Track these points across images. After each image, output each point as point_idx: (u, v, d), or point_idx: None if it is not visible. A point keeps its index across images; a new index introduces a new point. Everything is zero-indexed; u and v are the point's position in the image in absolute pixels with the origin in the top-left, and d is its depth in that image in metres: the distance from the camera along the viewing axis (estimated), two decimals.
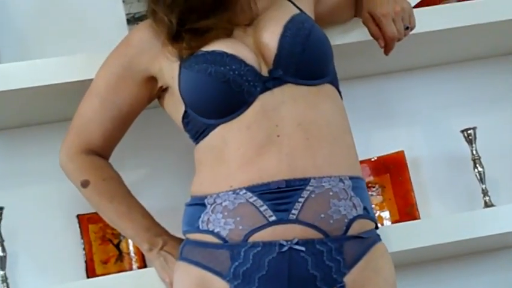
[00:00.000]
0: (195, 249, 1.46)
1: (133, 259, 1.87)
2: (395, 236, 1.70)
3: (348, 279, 1.40)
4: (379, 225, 1.52)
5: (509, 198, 1.98)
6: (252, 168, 1.41)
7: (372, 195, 1.94)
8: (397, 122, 2.07)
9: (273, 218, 1.38)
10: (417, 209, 1.92)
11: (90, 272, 1.83)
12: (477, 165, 1.91)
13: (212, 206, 1.43)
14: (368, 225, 1.46)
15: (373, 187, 1.96)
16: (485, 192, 1.89)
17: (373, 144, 2.01)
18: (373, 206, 1.77)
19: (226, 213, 1.41)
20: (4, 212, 1.76)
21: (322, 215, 1.39)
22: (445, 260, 2.00)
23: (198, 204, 1.47)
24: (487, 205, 1.88)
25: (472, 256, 2.01)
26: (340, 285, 1.39)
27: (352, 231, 1.41)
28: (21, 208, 1.89)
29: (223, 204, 1.41)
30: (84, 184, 1.63)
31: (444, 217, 1.87)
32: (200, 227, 1.45)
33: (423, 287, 2.00)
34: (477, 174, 1.90)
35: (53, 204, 1.91)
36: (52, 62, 1.73)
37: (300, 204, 1.38)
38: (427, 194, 2.01)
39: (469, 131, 1.91)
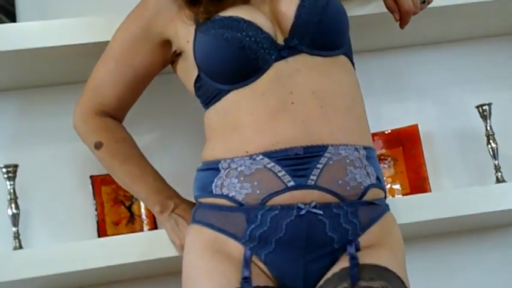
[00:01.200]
0: (208, 212, 1.47)
1: (145, 222, 1.89)
2: (406, 208, 1.71)
3: (362, 239, 1.42)
4: (390, 197, 1.53)
5: None
6: (268, 134, 1.41)
7: (383, 167, 1.94)
8: (411, 96, 2.06)
9: (292, 183, 1.39)
10: (429, 183, 1.92)
11: (102, 233, 1.84)
12: (490, 141, 1.90)
13: (226, 171, 1.44)
14: (380, 193, 1.48)
15: (386, 160, 1.97)
16: (497, 168, 1.89)
17: (387, 117, 2.02)
18: (384, 178, 1.79)
19: (242, 178, 1.41)
20: (18, 170, 1.77)
21: (340, 181, 1.40)
22: (455, 235, 2.01)
23: (211, 169, 1.47)
24: (499, 181, 1.87)
25: (482, 231, 2.02)
26: (355, 243, 1.41)
27: (366, 198, 1.43)
28: (36, 167, 1.90)
29: (239, 169, 1.42)
30: (97, 145, 1.64)
31: (455, 191, 1.88)
32: (214, 191, 1.45)
33: (433, 261, 2.00)
34: (490, 150, 1.90)
35: (66, 164, 1.92)
36: (70, 23, 1.74)
37: (318, 171, 1.39)
38: (439, 169, 2.01)
39: (484, 107, 1.90)
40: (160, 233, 1.65)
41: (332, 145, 1.41)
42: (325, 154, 1.40)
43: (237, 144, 1.44)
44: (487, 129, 1.91)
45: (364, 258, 1.39)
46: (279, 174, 1.39)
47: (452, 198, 1.76)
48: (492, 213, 1.79)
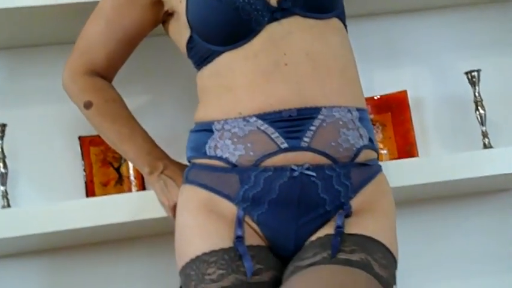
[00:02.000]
0: (202, 173, 1.47)
1: (133, 183, 1.89)
2: (393, 172, 1.70)
3: (354, 202, 1.43)
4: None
5: (508, 141, 2.00)
6: (260, 96, 1.41)
7: None
8: (401, 62, 2.07)
9: (285, 145, 1.39)
10: (416, 149, 1.94)
11: (90, 193, 1.84)
12: (479, 107, 1.92)
13: (220, 132, 1.44)
14: (372, 154, 1.49)
15: (374, 125, 1.96)
16: (485, 134, 1.91)
17: (377, 83, 2.02)
18: None
19: (235, 140, 1.41)
20: (7, 129, 1.76)
21: (333, 143, 1.40)
22: (442, 200, 2.03)
23: (205, 130, 1.47)
24: (486, 147, 1.89)
25: (469, 197, 2.04)
26: (346, 208, 1.41)
27: (358, 160, 1.44)
28: (24, 127, 1.89)
29: (233, 130, 1.42)
30: (87, 105, 1.63)
31: (442, 156, 1.89)
32: (207, 152, 1.46)
33: (420, 226, 2.02)
34: (478, 117, 1.92)
35: (55, 124, 1.91)
36: None
37: (312, 133, 1.39)
38: (428, 135, 2.03)
39: (473, 73, 1.91)
40: (149, 194, 1.65)
41: (325, 107, 1.41)
42: (319, 116, 1.40)
43: (230, 105, 1.44)
44: (475, 96, 1.92)
45: (351, 226, 1.39)
46: (273, 136, 1.39)
47: (440, 163, 1.78)
48: (479, 179, 1.81)
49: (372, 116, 1.97)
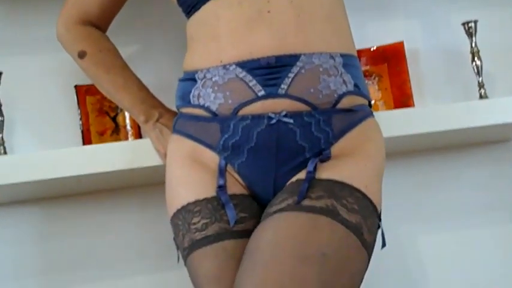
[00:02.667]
0: (187, 123, 1.48)
1: (130, 132, 1.90)
2: (389, 123, 1.71)
3: (335, 147, 1.41)
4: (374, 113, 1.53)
5: (504, 92, 1.99)
6: (242, 44, 1.41)
7: (368, 84, 1.94)
8: (398, 12, 2.04)
9: (262, 93, 1.39)
10: (413, 100, 1.93)
11: (87, 142, 1.86)
12: (475, 58, 1.90)
13: (202, 81, 1.44)
14: (358, 100, 1.46)
15: (370, 76, 1.97)
16: (481, 85, 1.89)
17: (373, 34, 2.00)
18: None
19: (216, 88, 1.42)
20: (2, 77, 1.77)
21: (312, 90, 1.39)
22: (438, 151, 2.02)
23: (190, 79, 1.48)
24: (482, 97, 1.88)
25: (465, 148, 2.03)
26: (326, 153, 1.40)
27: (341, 105, 1.42)
28: (20, 76, 1.90)
29: (213, 79, 1.42)
30: (81, 54, 1.64)
31: (438, 106, 1.87)
32: (191, 101, 1.47)
33: (416, 176, 2.02)
34: (474, 68, 1.90)
35: (51, 73, 1.91)
36: None
37: (290, 80, 1.38)
38: (424, 86, 2.01)
39: (469, 24, 1.89)
40: (145, 142, 1.67)
41: (305, 54, 1.40)
42: (297, 63, 1.39)
43: (213, 54, 1.44)
44: (472, 47, 1.90)
45: (325, 171, 1.37)
46: (250, 84, 1.39)
47: (436, 113, 1.77)
48: (474, 129, 1.80)
49: (368, 68, 1.96)
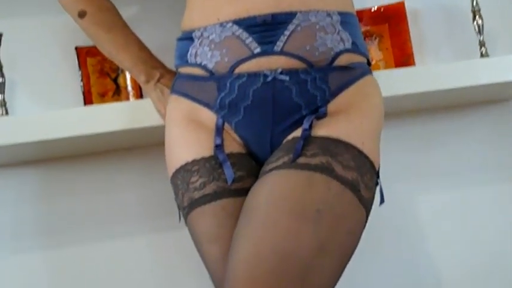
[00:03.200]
0: (185, 82, 1.48)
1: (131, 93, 1.91)
2: (390, 82, 1.71)
3: (331, 105, 1.40)
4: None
5: (505, 51, 1.98)
6: (239, 2, 1.40)
7: (368, 44, 1.94)
8: None
9: (258, 50, 1.39)
10: (413, 59, 1.93)
11: (88, 104, 1.87)
12: (476, 17, 1.89)
13: (200, 40, 1.44)
14: (356, 58, 1.45)
15: (371, 36, 1.96)
16: (482, 44, 1.89)
17: None
18: (370, 55, 1.78)
19: (212, 46, 1.42)
20: (3, 38, 1.77)
21: (308, 47, 1.39)
22: (439, 110, 2.02)
23: (188, 38, 1.48)
24: (483, 56, 1.88)
25: (466, 107, 2.03)
26: (322, 110, 1.40)
27: (338, 63, 1.41)
28: (21, 36, 1.90)
29: (210, 37, 1.42)
30: (81, 14, 1.63)
31: (439, 65, 1.86)
32: (189, 60, 1.47)
33: (418, 135, 2.02)
34: (476, 26, 1.89)
35: (52, 34, 1.91)
36: None
37: (285, 37, 1.38)
38: (425, 45, 2.01)
39: None
40: (146, 102, 1.68)
41: (301, 12, 1.39)
42: (294, 21, 1.39)
43: (210, 12, 1.44)
44: (473, 5, 1.89)
45: (322, 128, 1.37)
46: (246, 42, 1.39)
47: (436, 72, 1.77)
48: (475, 88, 1.79)
49: (368, 28, 1.96)
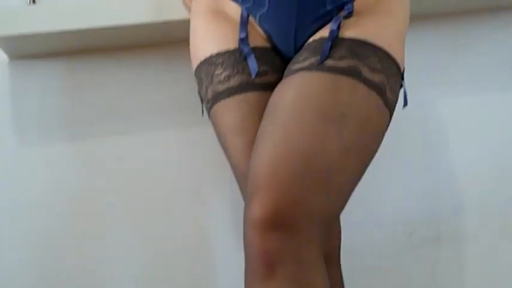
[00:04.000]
0: None
1: None
2: None
3: (357, 2, 1.38)
4: None
5: None
6: None
7: None
8: None
9: None
10: None
11: None
12: None
13: None
14: None
15: None
16: None
17: None
18: None
19: None
20: None
21: None
22: (465, 14, 1.99)
23: None
24: None
25: (493, 11, 1.99)
26: (347, 7, 1.38)
27: None
28: None
29: None
30: None
31: None
32: None
33: (442, 40, 1.99)
34: None
35: None
36: None
37: None
38: None
39: None
40: None
41: None
42: None
43: None
44: None
45: (349, 29, 1.35)
46: None
47: None
48: None
49: None
